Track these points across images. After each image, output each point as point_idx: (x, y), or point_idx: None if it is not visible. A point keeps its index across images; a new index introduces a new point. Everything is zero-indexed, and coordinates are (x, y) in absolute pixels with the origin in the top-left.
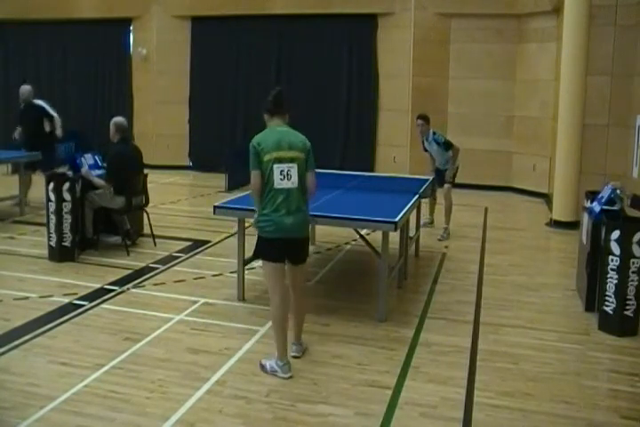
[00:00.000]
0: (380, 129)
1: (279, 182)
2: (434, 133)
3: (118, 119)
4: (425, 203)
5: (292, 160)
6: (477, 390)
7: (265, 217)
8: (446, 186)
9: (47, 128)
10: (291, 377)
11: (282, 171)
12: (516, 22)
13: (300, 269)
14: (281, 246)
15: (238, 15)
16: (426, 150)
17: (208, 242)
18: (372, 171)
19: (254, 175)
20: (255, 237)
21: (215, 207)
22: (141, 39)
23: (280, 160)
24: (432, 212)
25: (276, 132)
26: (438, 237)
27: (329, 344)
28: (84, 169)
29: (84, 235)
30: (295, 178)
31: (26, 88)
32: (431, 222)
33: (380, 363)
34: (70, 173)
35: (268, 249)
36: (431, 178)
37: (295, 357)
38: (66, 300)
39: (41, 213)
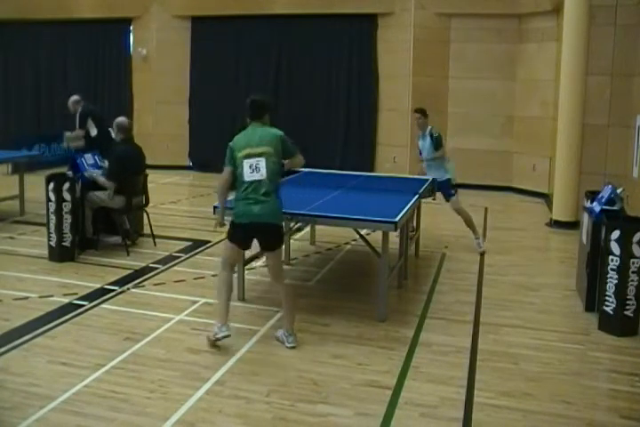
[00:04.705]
0: (380, 129)
1: (249, 175)
2: (431, 128)
3: (120, 119)
4: (429, 208)
5: (260, 155)
6: (477, 390)
7: (236, 205)
8: (453, 199)
9: (92, 132)
10: (225, 337)
11: (251, 165)
12: (516, 22)
13: (274, 256)
14: (247, 231)
15: (238, 15)
16: (420, 153)
17: (208, 242)
18: (371, 171)
19: (225, 170)
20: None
21: (215, 207)
22: (141, 39)
23: (249, 156)
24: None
25: (249, 132)
26: (479, 250)
27: (329, 344)
28: (90, 170)
29: (83, 235)
30: (264, 171)
31: (71, 99)
32: (412, 230)
33: (380, 363)
34: (70, 173)
35: (233, 231)
36: (431, 178)
37: (292, 347)
38: (66, 300)
39: (41, 213)
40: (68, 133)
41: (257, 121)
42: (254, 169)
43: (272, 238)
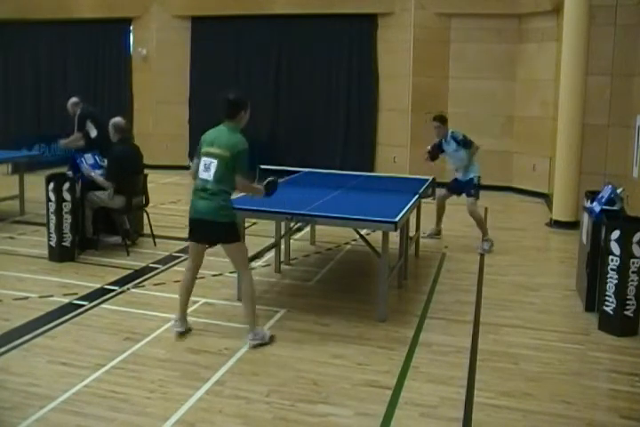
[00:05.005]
0: (380, 129)
1: (201, 173)
2: (452, 132)
3: (116, 120)
4: (429, 208)
5: (216, 156)
6: (477, 390)
7: (191, 198)
8: (470, 200)
9: (92, 134)
10: (181, 333)
11: (205, 164)
12: (516, 22)
13: (228, 251)
14: (194, 226)
15: (238, 15)
16: (442, 151)
17: None
18: (371, 171)
19: (193, 163)
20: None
21: None
22: (141, 39)
23: (207, 154)
24: (439, 221)
25: (219, 130)
26: (479, 250)
27: (329, 344)
28: (87, 168)
29: (84, 235)
30: (212, 172)
31: (69, 101)
32: (438, 233)
33: (380, 363)
34: (70, 173)
35: (189, 227)
36: (431, 178)
37: (254, 346)
38: (66, 300)
39: (41, 213)
40: (62, 141)
41: (230, 121)
42: (206, 168)
43: (215, 235)
